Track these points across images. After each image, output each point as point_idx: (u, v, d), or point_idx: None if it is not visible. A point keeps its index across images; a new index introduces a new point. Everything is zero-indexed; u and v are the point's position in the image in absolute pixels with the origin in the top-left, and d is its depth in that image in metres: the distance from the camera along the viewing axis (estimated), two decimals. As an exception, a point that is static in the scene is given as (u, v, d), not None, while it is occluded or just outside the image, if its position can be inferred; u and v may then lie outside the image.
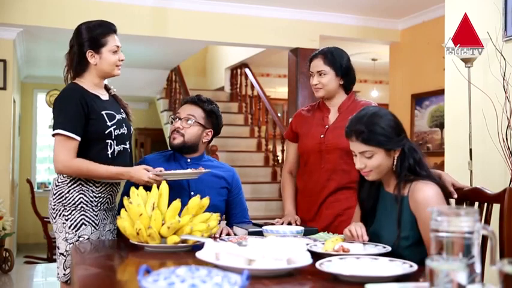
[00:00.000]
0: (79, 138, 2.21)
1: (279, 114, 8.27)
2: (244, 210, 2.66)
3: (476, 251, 1.19)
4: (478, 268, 1.19)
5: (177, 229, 1.96)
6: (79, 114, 2.21)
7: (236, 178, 2.65)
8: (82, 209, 2.26)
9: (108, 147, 2.27)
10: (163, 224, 1.94)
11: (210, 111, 2.53)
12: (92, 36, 2.30)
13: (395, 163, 1.91)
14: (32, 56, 7.21)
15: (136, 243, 1.98)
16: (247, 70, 8.13)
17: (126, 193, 2.25)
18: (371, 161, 1.89)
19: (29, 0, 5.02)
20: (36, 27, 5.22)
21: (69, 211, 2.26)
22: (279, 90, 9.38)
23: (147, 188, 2.14)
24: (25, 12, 5.00)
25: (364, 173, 1.93)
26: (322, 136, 2.51)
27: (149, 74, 8.48)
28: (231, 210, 2.62)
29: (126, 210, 2.03)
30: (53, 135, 2.22)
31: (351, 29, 6.00)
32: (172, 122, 2.53)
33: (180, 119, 2.49)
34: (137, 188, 2.10)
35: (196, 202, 2.05)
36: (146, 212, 1.97)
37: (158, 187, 2.09)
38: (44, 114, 9.28)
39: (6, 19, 5.01)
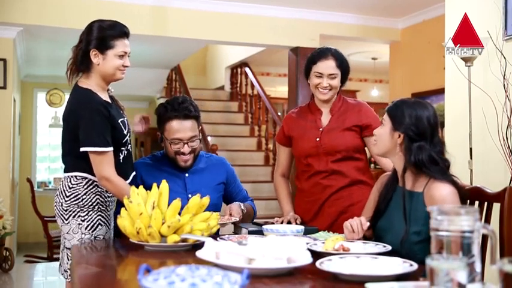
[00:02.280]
0: (112, 148, 2.20)
1: (279, 113, 8.27)
2: (244, 194, 2.68)
3: (476, 250, 1.19)
4: (478, 267, 1.19)
5: (177, 228, 1.96)
6: (107, 125, 2.20)
7: (229, 168, 2.64)
8: (99, 209, 2.27)
9: (120, 153, 2.29)
10: (163, 223, 1.94)
11: (199, 117, 2.47)
12: (101, 36, 2.23)
13: (397, 149, 1.95)
14: (32, 55, 7.21)
15: (136, 242, 1.98)
16: (247, 69, 8.14)
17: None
18: (380, 129, 2.02)
19: (29, -1, 5.03)
20: (36, 27, 5.22)
21: (86, 212, 2.25)
22: (279, 89, 9.38)
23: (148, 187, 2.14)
24: (25, 12, 5.00)
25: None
26: (318, 139, 2.48)
27: (149, 73, 8.48)
28: (233, 199, 2.62)
29: (126, 209, 2.03)
30: (85, 151, 2.18)
31: (351, 28, 5.99)
32: (170, 144, 2.39)
33: (186, 143, 2.39)
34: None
35: (196, 201, 2.05)
36: (146, 211, 1.97)
37: None
38: (44, 114, 9.28)
39: (6, 18, 5.01)
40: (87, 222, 2.25)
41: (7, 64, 5.55)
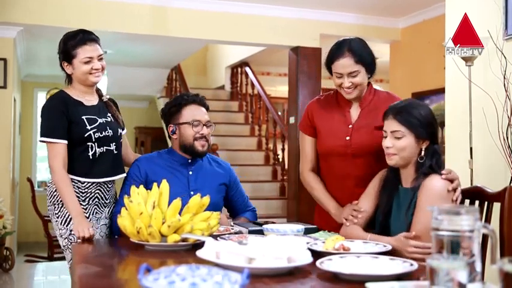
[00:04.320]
0: (65, 141, 2.32)
1: (279, 113, 8.27)
2: (245, 199, 2.71)
3: (476, 249, 1.19)
4: (478, 267, 1.19)
5: (177, 228, 1.96)
6: (61, 120, 2.32)
7: (232, 172, 2.68)
8: None
9: (89, 149, 2.37)
10: (163, 223, 1.94)
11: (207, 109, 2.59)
12: (64, 48, 2.40)
13: (422, 154, 1.96)
14: (32, 54, 7.21)
15: (136, 241, 1.99)
16: (247, 69, 8.13)
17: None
18: (399, 142, 1.95)
19: (29, -1, 5.02)
20: (37, 26, 5.22)
21: (59, 208, 2.37)
22: (280, 88, 9.38)
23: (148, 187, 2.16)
24: (26, 11, 4.99)
25: (388, 155, 1.98)
26: (348, 138, 2.25)
27: (149, 73, 8.47)
28: (234, 204, 2.66)
29: (126, 208, 2.03)
30: (40, 141, 2.36)
31: (351, 27, 5.99)
32: (192, 127, 2.48)
33: (204, 125, 2.50)
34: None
35: (197, 201, 2.05)
36: (147, 211, 1.97)
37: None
38: (45, 113, 9.28)
39: (7, 18, 5.00)
40: (61, 218, 2.36)
41: (7, 64, 5.55)
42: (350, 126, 2.28)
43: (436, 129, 1.99)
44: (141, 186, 2.08)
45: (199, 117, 2.50)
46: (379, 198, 2.07)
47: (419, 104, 2.00)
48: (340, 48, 2.22)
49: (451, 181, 1.93)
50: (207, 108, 2.57)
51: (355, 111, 2.31)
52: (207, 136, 2.50)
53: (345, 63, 2.19)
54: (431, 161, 1.95)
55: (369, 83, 2.32)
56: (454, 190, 1.93)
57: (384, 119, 2.02)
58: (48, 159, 2.34)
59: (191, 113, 2.50)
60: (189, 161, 2.53)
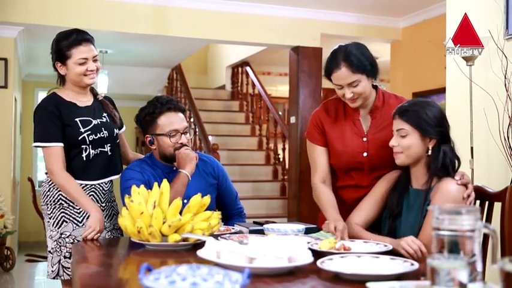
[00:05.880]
0: (60, 144, 2.27)
1: (280, 113, 8.27)
2: (235, 197, 2.62)
3: (477, 249, 1.19)
4: (479, 266, 1.19)
5: (178, 227, 1.96)
6: (55, 122, 2.27)
7: (219, 167, 2.58)
8: (61, 206, 2.32)
9: (83, 151, 2.32)
10: (164, 223, 1.94)
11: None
12: (58, 48, 2.33)
13: (429, 153, 1.94)
14: (33, 54, 7.22)
15: (137, 241, 1.99)
16: (248, 68, 8.13)
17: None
18: (404, 140, 1.94)
19: (30, -2, 5.03)
20: (38, 26, 5.22)
21: (51, 209, 2.33)
22: (280, 88, 9.37)
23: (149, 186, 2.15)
24: (26, 11, 5.00)
25: (395, 153, 1.97)
26: (365, 154, 2.17)
27: (150, 73, 8.48)
28: (222, 200, 2.58)
29: (127, 208, 2.03)
30: (35, 146, 2.32)
31: (352, 27, 5.99)
32: (170, 138, 2.36)
33: (181, 133, 2.37)
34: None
35: (197, 201, 2.05)
36: (147, 211, 1.97)
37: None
38: (45, 113, 9.28)
39: (8, 17, 5.01)
40: (53, 219, 2.32)
41: (8, 63, 5.55)
42: (365, 139, 2.19)
43: (446, 129, 1.95)
44: (142, 186, 2.07)
45: (176, 126, 2.36)
46: (389, 199, 2.05)
47: (427, 103, 1.97)
48: (335, 59, 2.09)
49: (465, 185, 1.92)
50: (183, 111, 2.43)
51: (365, 120, 2.22)
52: (187, 144, 2.38)
53: (342, 75, 2.07)
54: (443, 162, 1.92)
55: (377, 87, 2.22)
56: (468, 195, 1.92)
57: (393, 118, 2.01)
58: (45, 163, 2.27)
59: (167, 122, 2.36)
60: (174, 168, 2.42)
